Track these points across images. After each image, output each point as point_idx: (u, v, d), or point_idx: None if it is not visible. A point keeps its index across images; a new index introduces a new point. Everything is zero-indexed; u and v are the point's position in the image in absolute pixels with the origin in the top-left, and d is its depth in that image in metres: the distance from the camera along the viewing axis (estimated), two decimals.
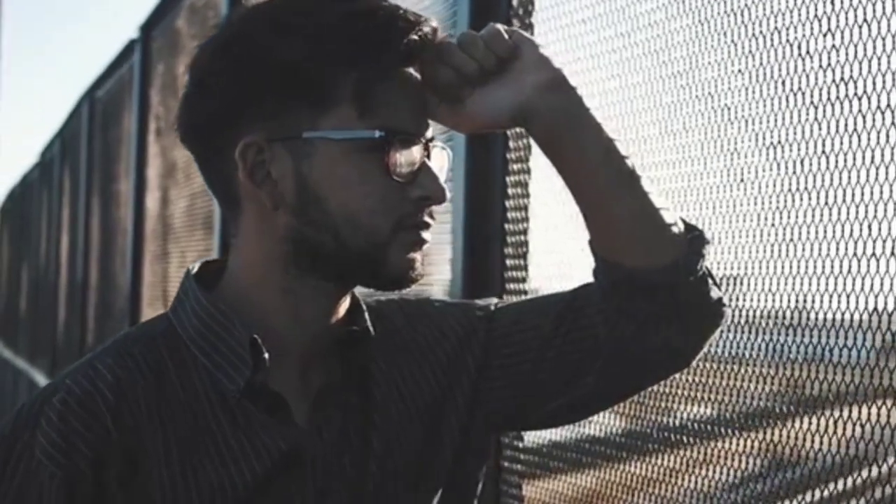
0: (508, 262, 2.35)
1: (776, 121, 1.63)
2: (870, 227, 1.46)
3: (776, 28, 1.62)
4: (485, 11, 2.33)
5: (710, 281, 1.51)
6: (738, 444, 1.75)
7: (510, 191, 2.35)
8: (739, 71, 1.70)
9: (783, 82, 1.61)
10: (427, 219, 1.46)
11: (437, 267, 2.62)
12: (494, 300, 1.63)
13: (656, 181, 1.89)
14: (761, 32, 1.66)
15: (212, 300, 1.46)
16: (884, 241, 1.44)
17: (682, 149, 1.84)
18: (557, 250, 2.21)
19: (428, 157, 1.45)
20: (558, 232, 2.18)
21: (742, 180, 1.70)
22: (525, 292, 2.31)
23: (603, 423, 2.11)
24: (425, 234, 1.46)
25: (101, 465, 1.38)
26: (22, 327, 14.00)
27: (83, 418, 1.39)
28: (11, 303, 15.84)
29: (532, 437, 2.31)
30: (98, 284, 7.83)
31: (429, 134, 1.47)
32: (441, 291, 2.55)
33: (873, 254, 1.45)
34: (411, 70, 1.45)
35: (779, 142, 1.62)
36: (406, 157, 1.43)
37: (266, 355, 1.42)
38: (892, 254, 1.43)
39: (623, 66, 1.98)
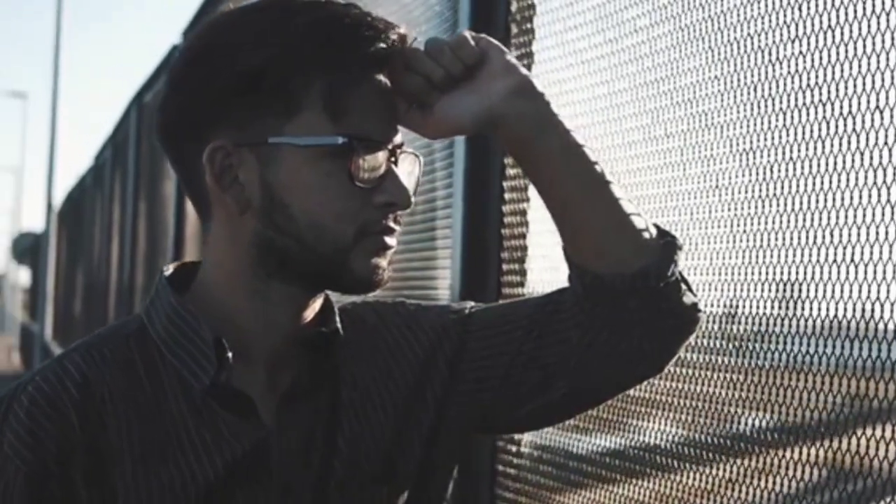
0: (505, 266, 2.36)
1: (748, 127, 1.63)
2: (832, 233, 1.46)
3: (748, 34, 1.62)
4: (485, 17, 2.35)
5: (685, 286, 1.51)
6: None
7: (507, 196, 2.36)
8: (716, 77, 1.70)
9: (755, 88, 1.61)
10: (392, 224, 1.47)
11: (436, 272, 2.64)
12: (471, 303, 1.64)
13: (639, 187, 1.89)
14: (736, 39, 1.66)
15: (181, 301, 1.48)
16: (844, 248, 1.44)
17: (663, 154, 1.84)
18: (554, 255, 2.21)
19: (395, 163, 1.47)
20: (555, 237, 2.18)
21: (717, 186, 1.70)
22: (522, 297, 2.31)
23: (607, 429, 2.11)
24: (390, 240, 1.47)
25: (66, 461, 1.41)
26: (76, 329, 14.16)
27: (49, 414, 1.42)
28: (67, 305, 16.03)
29: (527, 440, 2.32)
30: (144, 286, 7.91)
31: (397, 140, 1.48)
32: (440, 296, 2.56)
33: (834, 260, 1.45)
34: (380, 77, 1.47)
35: (751, 148, 1.62)
36: (370, 163, 1.44)
37: (230, 355, 1.45)
38: (853, 261, 1.42)
39: (611, 72, 1.98)
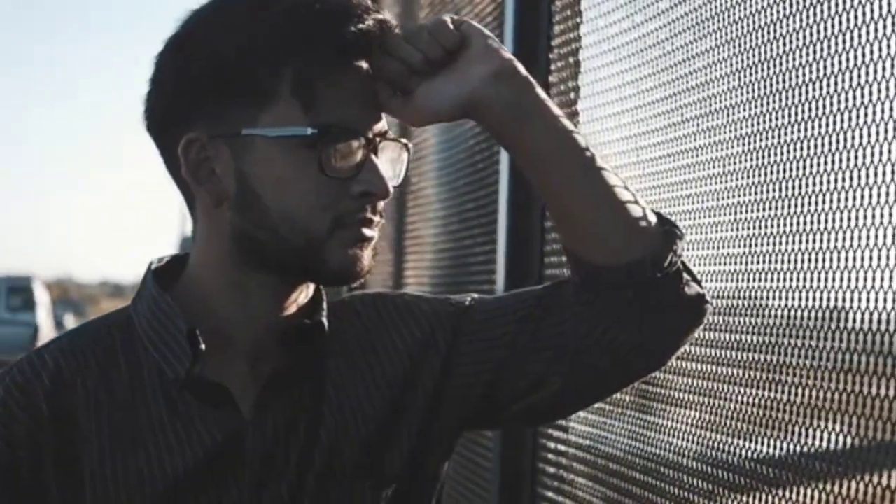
0: (547, 259, 2.32)
1: (751, 110, 1.56)
2: (833, 219, 1.39)
3: (750, 13, 1.55)
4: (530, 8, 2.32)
5: (688, 277, 1.45)
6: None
7: None
8: (724, 59, 1.63)
9: (756, 69, 1.54)
10: (370, 215, 1.44)
11: (480, 266, 2.60)
12: (473, 295, 1.59)
13: (660, 175, 1.83)
14: (741, 17, 1.59)
15: (161, 293, 1.47)
16: (844, 233, 1.37)
17: (678, 142, 1.78)
18: None
19: (374, 151, 1.43)
20: None
21: (725, 172, 1.64)
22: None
23: (654, 423, 2.03)
24: (368, 231, 1.44)
25: (36, 450, 1.42)
26: None
27: (22, 404, 1.43)
28: None
29: (572, 436, 2.27)
30: None
31: (380, 127, 1.44)
32: (483, 291, 2.53)
33: (834, 247, 1.38)
34: (360, 63, 1.43)
35: (757, 132, 1.55)
36: (343, 153, 1.41)
37: (203, 346, 1.43)
38: (851, 247, 1.35)
39: (637, 57, 1.93)
